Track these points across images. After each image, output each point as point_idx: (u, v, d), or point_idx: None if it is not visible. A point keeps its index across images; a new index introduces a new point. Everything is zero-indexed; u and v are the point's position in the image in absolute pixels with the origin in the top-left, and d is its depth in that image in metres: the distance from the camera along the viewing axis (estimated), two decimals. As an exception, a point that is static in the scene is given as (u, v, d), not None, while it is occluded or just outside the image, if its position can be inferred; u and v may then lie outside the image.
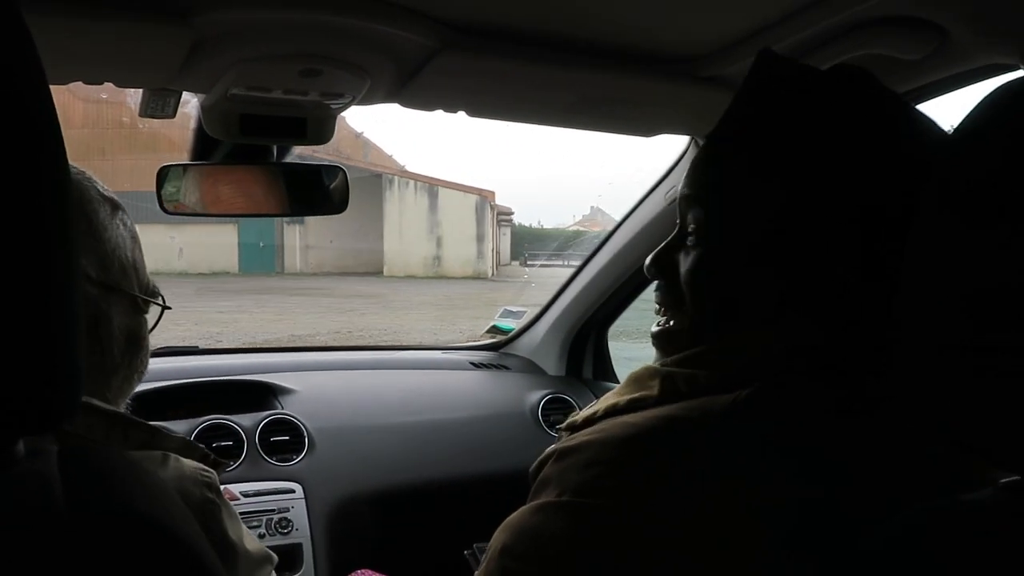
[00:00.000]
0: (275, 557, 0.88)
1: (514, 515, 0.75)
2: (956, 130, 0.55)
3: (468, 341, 2.51)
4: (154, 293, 0.87)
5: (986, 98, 0.53)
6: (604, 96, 1.19)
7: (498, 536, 0.75)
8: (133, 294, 0.84)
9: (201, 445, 0.84)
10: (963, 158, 0.54)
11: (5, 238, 0.42)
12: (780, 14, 1.03)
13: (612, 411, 0.75)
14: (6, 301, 0.42)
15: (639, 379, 0.76)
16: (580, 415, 0.78)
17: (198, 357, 2.08)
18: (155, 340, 0.91)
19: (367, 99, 1.16)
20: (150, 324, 0.88)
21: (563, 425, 0.80)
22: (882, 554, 0.54)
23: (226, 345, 5.49)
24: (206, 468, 0.80)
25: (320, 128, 1.24)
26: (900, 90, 1.18)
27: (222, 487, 1.54)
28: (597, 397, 2.06)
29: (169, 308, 0.90)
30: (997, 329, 0.49)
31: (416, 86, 1.12)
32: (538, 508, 0.72)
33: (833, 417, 0.70)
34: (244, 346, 2.36)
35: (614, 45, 1.10)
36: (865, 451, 0.68)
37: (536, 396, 2.03)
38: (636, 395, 0.74)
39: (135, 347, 0.85)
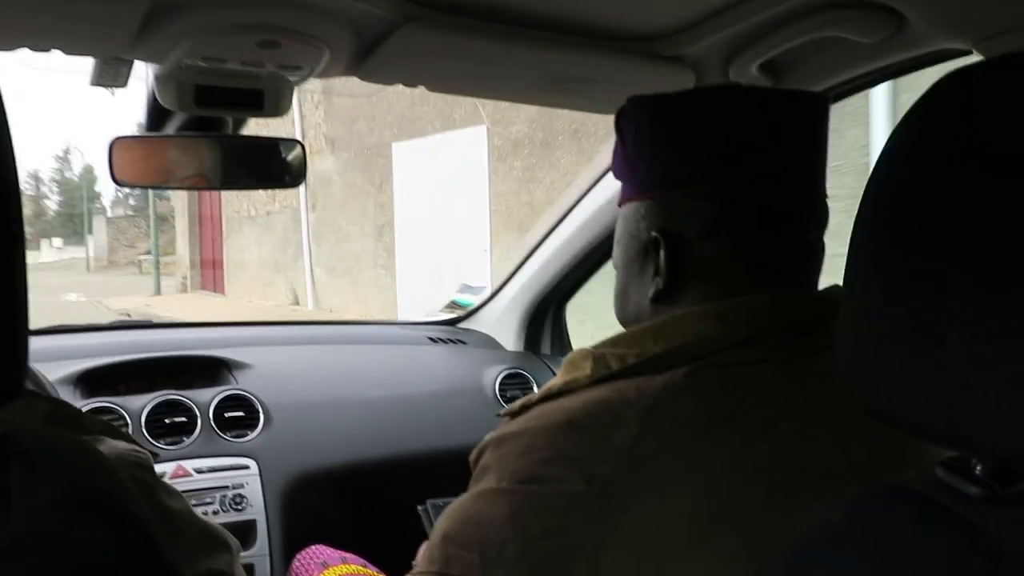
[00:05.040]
0: (237, 544, 0.86)
1: (456, 502, 0.77)
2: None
3: (426, 316, 2.51)
4: None
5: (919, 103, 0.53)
6: (566, 74, 1.19)
7: (441, 523, 0.76)
8: None
9: (125, 431, 0.82)
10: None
11: None
12: (741, -5, 1.04)
13: (548, 395, 0.77)
14: None
15: (573, 362, 0.78)
16: (517, 402, 0.80)
17: (151, 331, 2.05)
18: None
19: (326, 72, 1.15)
20: None
21: (502, 412, 0.82)
22: (816, 537, 0.55)
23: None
24: (138, 448, 0.78)
25: (277, 100, 1.21)
26: (857, 72, 1.20)
27: (176, 463, 1.53)
28: (554, 372, 2.09)
29: None
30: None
31: (376, 60, 1.10)
32: (479, 495, 0.74)
33: (773, 394, 0.71)
34: (198, 320, 2.33)
35: (576, 23, 1.09)
36: (806, 427, 0.70)
37: (494, 371, 2.04)
38: (569, 377, 0.76)
39: None
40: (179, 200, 17.20)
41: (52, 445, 0.50)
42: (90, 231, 32.54)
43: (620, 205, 0.87)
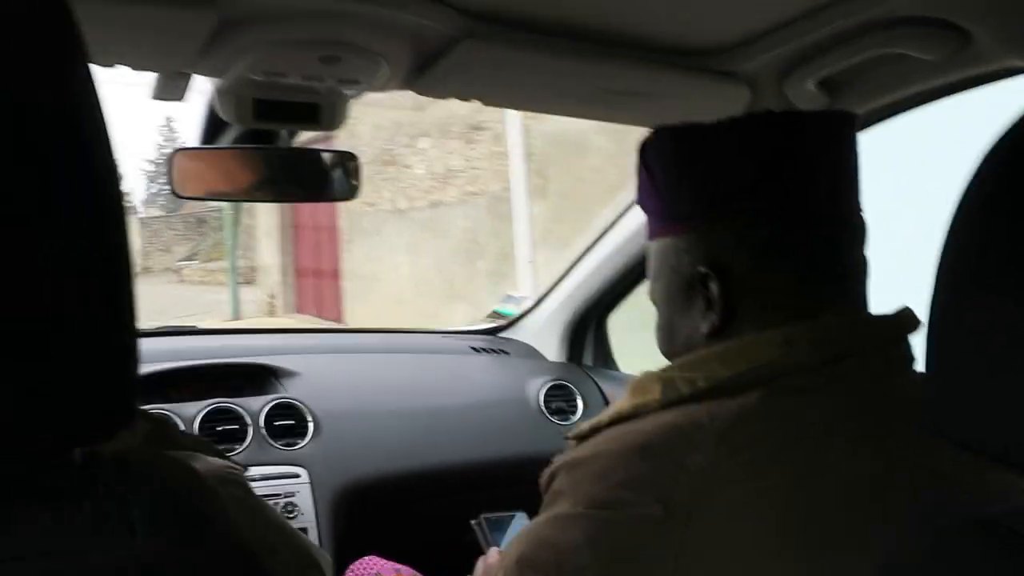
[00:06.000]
0: (328, 560, 0.85)
1: (530, 525, 0.77)
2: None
3: (468, 325, 2.51)
4: None
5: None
6: (621, 88, 1.19)
7: (515, 546, 0.77)
8: None
9: (218, 447, 0.82)
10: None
11: (71, 248, 0.41)
12: (799, 11, 1.03)
13: (618, 419, 0.76)
14: (74, 306, 0.42)
15: (641, 385, 0.77)
16: (586, 424, 0.79)
17: (197, 337, 2.07)
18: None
19: (383, 86, 1.16)
20: None
21: (570, 435, 0.81)
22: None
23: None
24: (231, 465, 0.79)
25: (333, 113, 1.23)
26: (915, 89, 1.18)
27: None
28: (598, 384, 2.08)
29: None
30: None
31: (433, 75, 1.11)
32: (553, 519, 0.73)
33: (846, 418, 0.70)
34: (244, 327, 2.35)
35: (633, 37, 1.10)
36: (880, 450, 0.69)
37: (538, 382, 2.04)
38: (639, 401, 0.75)
39: None
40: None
41: (162, 468, 0.50)
42: (120, 234, 31.22)
43: (651, 239, 0.85)
